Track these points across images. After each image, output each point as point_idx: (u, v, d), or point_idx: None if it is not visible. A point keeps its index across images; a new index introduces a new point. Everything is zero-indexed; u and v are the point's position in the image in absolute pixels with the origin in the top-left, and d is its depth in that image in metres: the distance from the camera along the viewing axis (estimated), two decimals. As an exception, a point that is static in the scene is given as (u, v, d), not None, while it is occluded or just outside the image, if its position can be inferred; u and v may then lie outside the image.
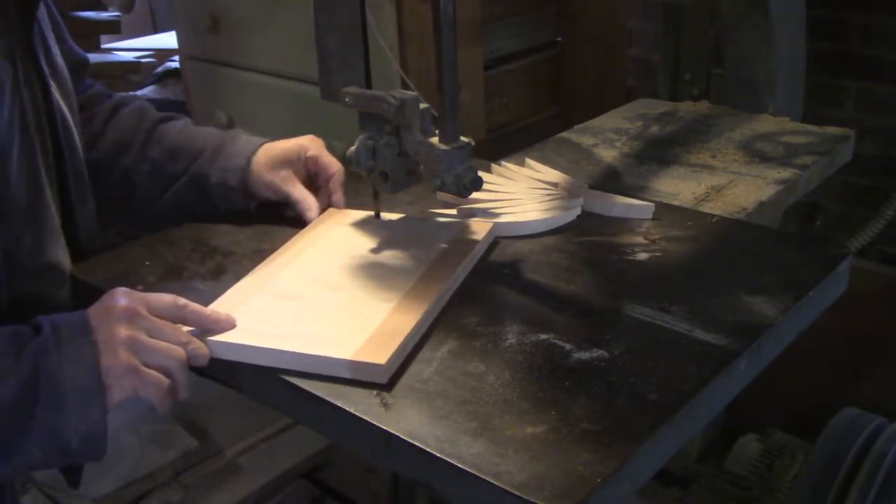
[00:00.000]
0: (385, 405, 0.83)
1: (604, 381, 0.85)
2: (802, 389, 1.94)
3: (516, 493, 0.71)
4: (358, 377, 0.86)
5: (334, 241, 1.14)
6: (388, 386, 0.85)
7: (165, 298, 0.92)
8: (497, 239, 1.16)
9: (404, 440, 0.78)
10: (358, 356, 0.87)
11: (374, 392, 0.84)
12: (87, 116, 1.26)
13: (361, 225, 1.18)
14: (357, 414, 0.82)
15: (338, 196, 1.21)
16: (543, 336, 0.93)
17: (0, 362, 0.83)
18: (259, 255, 1.13)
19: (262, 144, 1.23)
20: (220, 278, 1.08)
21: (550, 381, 0.85)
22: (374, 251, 1.11)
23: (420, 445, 0.77)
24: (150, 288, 1.06)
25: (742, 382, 0.91)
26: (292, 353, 0.89)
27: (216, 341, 0.92)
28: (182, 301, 0.92)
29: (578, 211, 1.22)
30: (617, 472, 0.73)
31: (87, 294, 1.08)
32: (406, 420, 0.80)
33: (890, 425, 1.69)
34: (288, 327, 0.93)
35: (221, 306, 0.97)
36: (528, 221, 1.18)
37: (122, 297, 0.89)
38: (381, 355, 0.87)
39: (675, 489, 1.99)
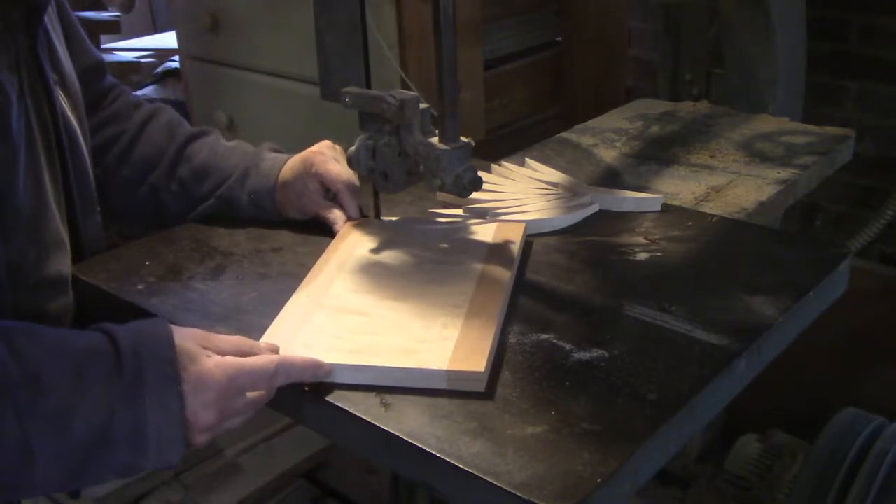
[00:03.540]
0: (385, 405, 0.83)
1: (604, 381, 0.85)
2: (802, 389, 1.94)
3: (516, 493, 0.71)
4: (454, 387, 0.83)
5: (371, 251, 1.10)
6: (488, 394, 0.83)
7: (262, 376, 0.84)
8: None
9: (404, 440, 0.78)
10: (454, 366, 0.84)
11: (374, 392, 0.84)
12: (115, 132, 1.25)
13: (391, 232, 1.15)
14: (357, 414, 0.82)
15: (352, 212, 1.19)
16: (543, 336, 0.93)
17: (65, 396, 0.76)
18: (258, 256, 1.13)
19: (286, 162, 1.21)
20: (220, 278, 1.08)
21: (550, 381, 0.85)
22: (415, 258, 1.08)
23: (420, 445, 0.77)
24: (149, 288, 1.06)
25: (742, 382, 0.91)
26: (384, 367, 0.85)
27: None
28: (277, 371, 0.85)
29: (597, 207, 1.23)
30: (617, 472, 0.73)
31: (87, 294, 1.08)
32: (406, 420, 0.80)
33: (890, 425, 1.69)
34: (363, 342, 0.90)
35: (281, 327, 0.93)
36: (554, 218, 1.18)
37: (216, 370, 0.82)
38: (477, 363, 0.84)
39: (675, 489, 1.99)
